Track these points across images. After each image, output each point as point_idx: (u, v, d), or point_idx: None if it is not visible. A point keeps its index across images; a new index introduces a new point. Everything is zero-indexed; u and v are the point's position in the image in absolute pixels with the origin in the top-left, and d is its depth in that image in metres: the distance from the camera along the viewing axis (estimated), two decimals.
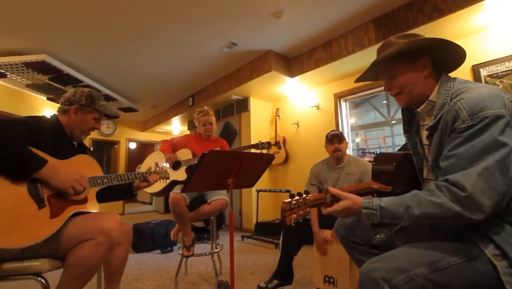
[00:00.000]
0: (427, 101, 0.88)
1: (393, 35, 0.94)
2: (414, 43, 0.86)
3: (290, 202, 0.81)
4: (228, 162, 1.33)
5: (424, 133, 0.91)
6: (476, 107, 0.72)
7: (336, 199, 0.85)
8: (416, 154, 0.99)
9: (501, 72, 2.38)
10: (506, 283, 0.66)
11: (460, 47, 0.86)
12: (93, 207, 1.21)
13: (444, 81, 0.86)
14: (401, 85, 0.91)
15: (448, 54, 0.88)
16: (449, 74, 0.91)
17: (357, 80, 1.06)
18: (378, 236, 0.83)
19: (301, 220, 0.82)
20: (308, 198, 0.84)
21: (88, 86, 3.93)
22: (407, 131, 1.01)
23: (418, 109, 0.92)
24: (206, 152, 1.21)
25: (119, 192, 1.48)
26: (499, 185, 0.67)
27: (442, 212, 0.70)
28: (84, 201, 1.18)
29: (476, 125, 0.71)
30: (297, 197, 0.83)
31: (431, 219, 0.72)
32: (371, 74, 1.00)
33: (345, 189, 0.88)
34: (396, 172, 0.96)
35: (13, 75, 3.55)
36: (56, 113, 1.32)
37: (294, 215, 0.81)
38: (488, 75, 2.43)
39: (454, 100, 0.78)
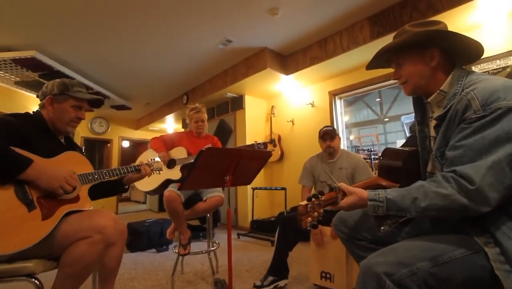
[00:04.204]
0: (438, 91, 0.87)
1: (409, 23, 0.91)
2: (418, 34, 0.84)
3: (306, 205, 0.81)
4: (226, 159, 1.32)
5: (432, 124, 0.90)
6: (489, 97, 0.70)
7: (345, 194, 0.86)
8: (423, 148, 0.98)
9: (492, 70, 2.41)
10: (496, 269, 0.67)
11: (474, 40, 0.84)
12: (86, 204, 1.17)
13: (458, 72, 0.84)
14: (407, 75, 0.91)
15: (461, 47, 0.86)
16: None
17: (368, 68, 1.04)
18: (382, 228, 0.83)
19: (315, 223, 0.82)
20: (321, 198, 0.84)
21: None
22: (419, 123, 0.99)
23: (428, 100, 0.91)
24: (204, 149, 1.20)
25: (110, 187, 1.44)
26: (507, 178, 0.67)
27: (449, 204, 0.70)
28: (76, 199, 1.14)
29: (488, 116, 0.69)
30: (313, 199, 0.82)
31: (438, 211, 0.72)
32: (382, 61, 1.00)
33: (354, 185, 0.88)
34: (404, 168, 0.96)
35: (1, 72, 3.44)
36: (38, 109, 1.26)
37: (310, 218, 0.81)
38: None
39: (466, 90, 0.76)
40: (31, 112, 1.24)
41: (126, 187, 1.46)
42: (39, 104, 1.25)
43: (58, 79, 1.26)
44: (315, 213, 0.82)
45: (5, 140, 0.98)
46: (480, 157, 0.69)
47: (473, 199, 0.67)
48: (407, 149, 1.05)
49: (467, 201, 0.67)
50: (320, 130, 2.10)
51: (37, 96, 1.28)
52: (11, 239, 0.91)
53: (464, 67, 0.89)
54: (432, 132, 0.91)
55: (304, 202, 0.82)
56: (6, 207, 0.94)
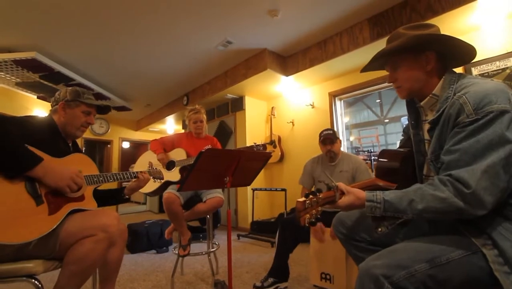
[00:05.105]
0: (430, 95, 0.88)
1: (402, 26, 0.92)
2: (416, 38, 0.85)
3: (304, 201, 0.81)
4: (226, 160, 1.33)
5: (426, 128, 0.90)
6: (481, 101, 0.71)
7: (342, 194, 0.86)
8: (418, 152, 0.98)
9: (491, 71, 2.42)
10: (495, 270, 0.67)
11: (468, 44, 0.85)
12: (90, 204, 1.21)
13: (449, 76, 0.85)
14: (403, 78, 0.91)
15: (455, 50, 0.87)
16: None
17: (363, 71, 1.05)
18: (379, 229, 0.83)
19: (313, 220, 0.81)
20: (319, 196, 0.84)
21: (80, 84, 3.86)
22: (414, 127, 0.99)
23: (421, 103, 0.91)
24: (203, 150, 1.20)
25: (112, 196, 1.48)
26: (501, 182, 0.68)
27: (445, 207, 0.70)
28: (81, 198, 1.18)
29: (481, 119, 0.70)
30: (310, 196, 0.82)
31: (434, 213, 0.72)
32: (377, 65, 1.00)
33: (352, 186, 0.88)
34: (401, 169, 0.96)
35: (1, 73, 3.45)
36: (50, 114, 1.34)
37: (308, 215, 0.81)
38: (479, 74, 2.48)
39: (458, 94, 0.77)
40: (43, 116, 1.31)
41: (127, 197, 1.50)
42: (51, 110, 1.34)
43: (70, 88, 1.36)
44: (314, 211, 0.82)
45: (19, 138, 1.02)
46: (475, 161, 0.69)
47: (469, 203, 0.68)
48: (403, 150, 1.05)
49: (463, 204, 0.68)
50: (320, 134, 2.07)
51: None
52: (19, 229, 0.93)
53: (454, 70, 0.90)
54: (426, 136, 0.92)
55: (302, 198, 0.82)
56: (15, 199, 0.96)
